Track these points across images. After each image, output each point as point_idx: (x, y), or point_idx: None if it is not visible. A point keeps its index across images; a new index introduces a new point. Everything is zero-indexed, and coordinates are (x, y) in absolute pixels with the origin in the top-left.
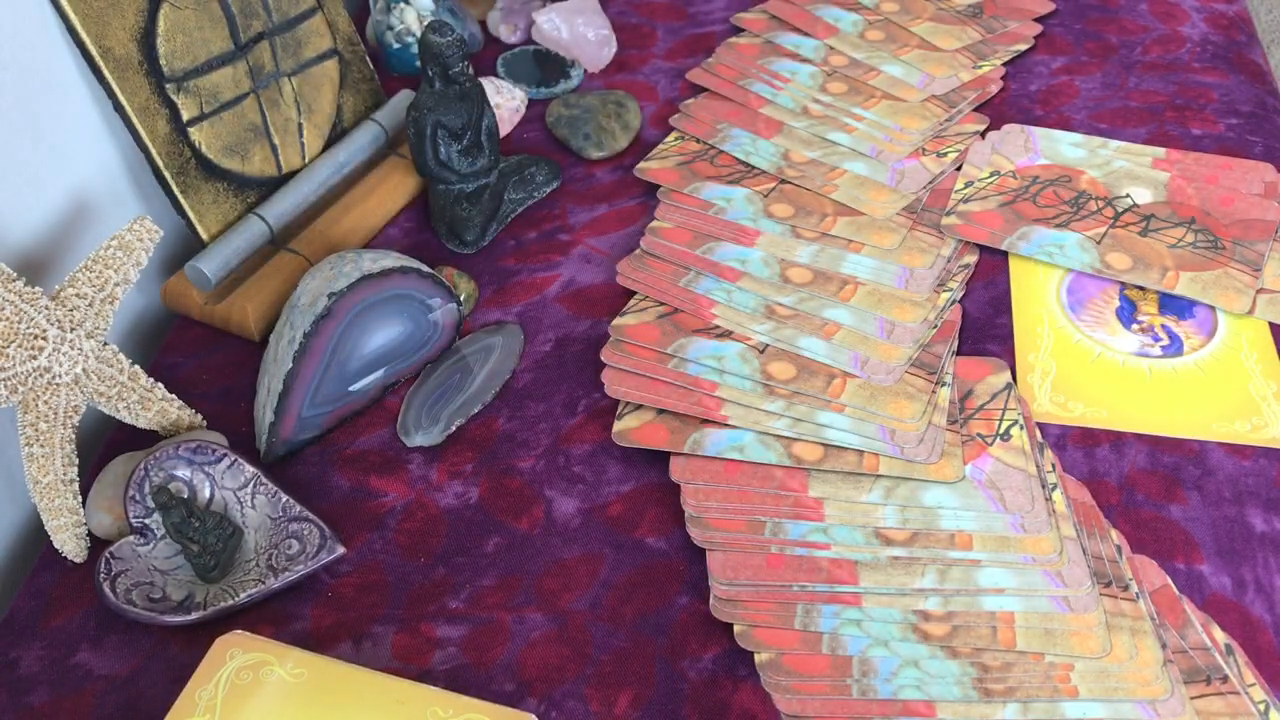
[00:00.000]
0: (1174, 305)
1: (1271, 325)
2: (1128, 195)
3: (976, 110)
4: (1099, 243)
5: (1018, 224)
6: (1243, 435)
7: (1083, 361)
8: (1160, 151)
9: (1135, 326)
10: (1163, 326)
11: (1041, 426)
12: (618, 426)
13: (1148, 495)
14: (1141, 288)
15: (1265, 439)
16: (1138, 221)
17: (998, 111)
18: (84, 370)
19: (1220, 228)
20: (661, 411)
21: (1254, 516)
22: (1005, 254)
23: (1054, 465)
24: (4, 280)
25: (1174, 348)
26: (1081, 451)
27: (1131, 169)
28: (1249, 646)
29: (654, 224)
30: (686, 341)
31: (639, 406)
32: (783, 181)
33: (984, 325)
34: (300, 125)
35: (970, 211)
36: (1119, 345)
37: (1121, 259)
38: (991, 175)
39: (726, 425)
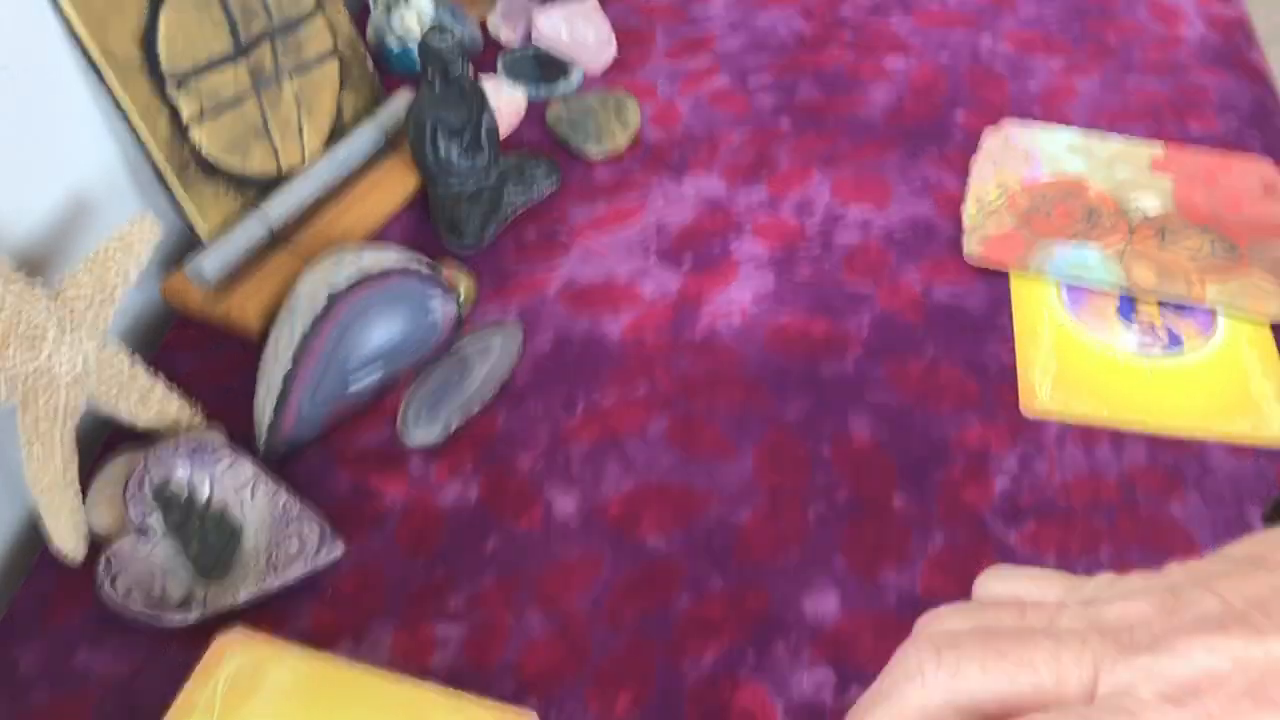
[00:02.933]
0: (1174, 303)
1: (1272, 325)
2: (1138, 205)
3: None
4: (1121, 257)
5: (1038, 244)
6: (1242, 434)
7: (1083, 359)
8: (1158, 149)
9: (1136, 325)
10: (1163, 325)
11: (1042, 423)
12: (969, 246)
13: (1147, 493)
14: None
15: (1265, 438)
16: (1154, 232)
17: (997, 111)
18: (84, 369)
19: (1234, 232)
20: (1020, 224)
21: (1253, 515)
22: None
23: None
24: (4, 278)
25: (1174, 346)
26: (1082, 449)
27: (1134, 177)
28: None
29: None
30: (1047, 248)
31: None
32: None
33: (984, 324)
34: (300, 125)
35: (989, 234)
36: (1119, 343)
37: (1146, 274)
38: (1000, 194)
39: (1074, 243)
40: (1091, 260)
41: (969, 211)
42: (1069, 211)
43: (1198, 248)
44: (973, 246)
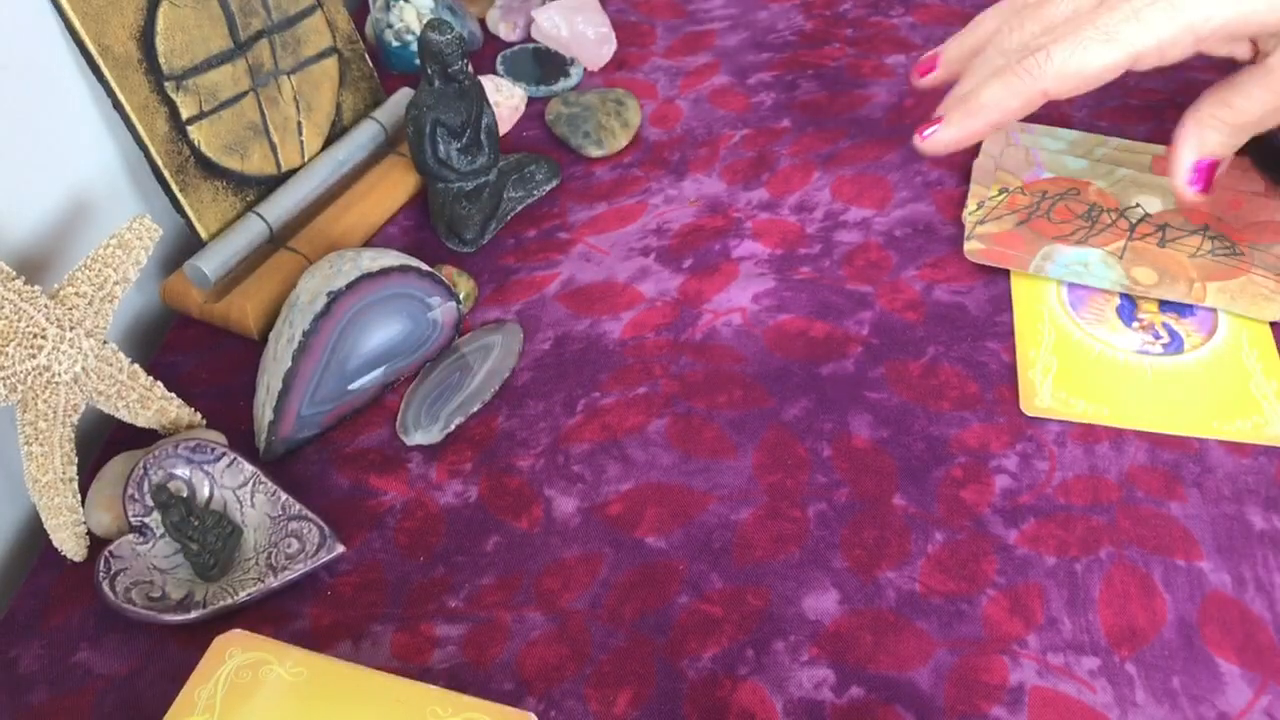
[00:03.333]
0: (1174, 303)
1: (1272, 324)
2: (1138, 205)
3: None
4: (1121, 257)
5: (1039, 244)
6: (1243, 433)
7: (1083, 359)
8: (1159, 149)
9: (1135, 324)
10: (1163, 324)
11: (1043, 423)
12: (970, 246)
13: (1147, 492)
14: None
15: (1265, 437)
16: (1154, 232)
17: None
18: (83, 369)
19: (1234, 232)
20: (1021, 223)
21: (1254, 514)
22: None
23: None
24: (3, 279)
25: (1174, 346)
26: (1082, 448)
27: (1135, 176)
28: (1249, 644)
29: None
30: (1048, 251)
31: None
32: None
33: (984, 323)
34: (300, 124)
35: (990, 234)
36: (1119, 343)
37: (1147, 274)
38: (1000, 193)
39: (1075, 243)
40: (1092, 260)
41: (970, 211)
42: (1069, 210)
43: (1197, 247)
44: (974, 245)
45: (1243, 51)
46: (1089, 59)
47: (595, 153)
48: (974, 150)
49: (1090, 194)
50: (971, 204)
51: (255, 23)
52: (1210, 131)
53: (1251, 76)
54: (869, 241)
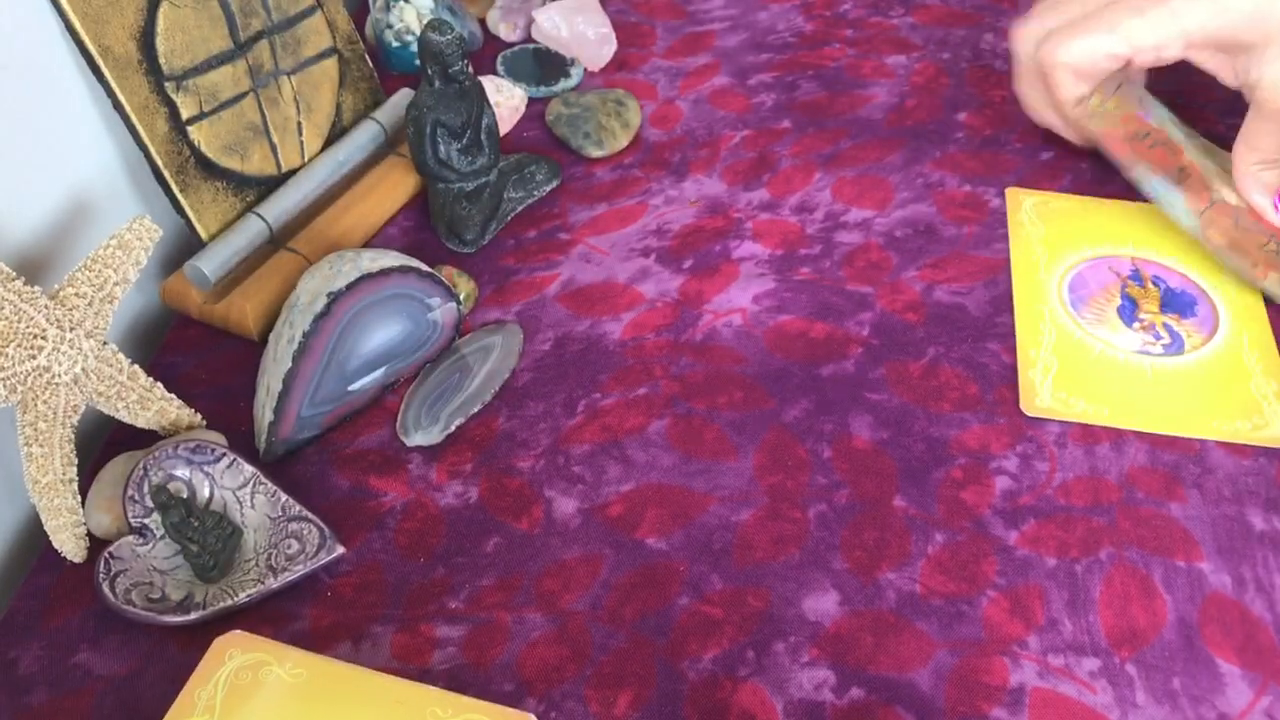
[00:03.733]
0: (1175, 304)
1: (1272, 324)
2: (1220, 191)
3: None
4: (1200, 215)
5: (1138, 160)
6: (1243, 434)
7: (1084, 358)
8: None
9: (1136, 325)
10: (1164, 325)
11: (1043, 423)
12: (1095, 123)
13: (1148, 493)
14: (1139, 282)
15: (1266, 438)
16: (1230, 216)
17: (999, 111)
18: (83, 370)
19: None
20: (1128, 138)
21: (1254, 515)
22: (1006, 250)
23: None
24: (3, 279)
25: (1175, 346)
26: (1082, 449)
27: (1222, 173)
28: (1249, 645)
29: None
30: (1146, 169)
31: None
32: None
33: (984, 325)
34: (300, 124)
35: (1104, 129)
36: (1120, 343)
37: (1220, 237)
38: (1117, 107)
39: (1168, 180)
40: (1178, 202)
41: (1093, 102)
42: (1166, 156)
43: (1264, 243)
44: (1089, 125)
45: (1227, 76)
46: (1095, 45)
47: (595, 153)
48: (975, 150)
49: (1185, 159)
50: (1096, 98)
51: (255, 23)
52: (1263, 174)
53: (1251, 118)
54: (869, 242)
